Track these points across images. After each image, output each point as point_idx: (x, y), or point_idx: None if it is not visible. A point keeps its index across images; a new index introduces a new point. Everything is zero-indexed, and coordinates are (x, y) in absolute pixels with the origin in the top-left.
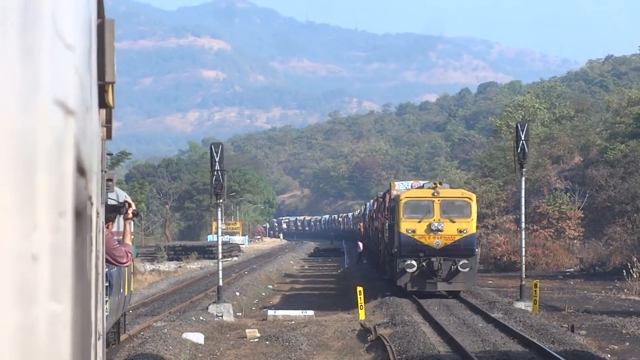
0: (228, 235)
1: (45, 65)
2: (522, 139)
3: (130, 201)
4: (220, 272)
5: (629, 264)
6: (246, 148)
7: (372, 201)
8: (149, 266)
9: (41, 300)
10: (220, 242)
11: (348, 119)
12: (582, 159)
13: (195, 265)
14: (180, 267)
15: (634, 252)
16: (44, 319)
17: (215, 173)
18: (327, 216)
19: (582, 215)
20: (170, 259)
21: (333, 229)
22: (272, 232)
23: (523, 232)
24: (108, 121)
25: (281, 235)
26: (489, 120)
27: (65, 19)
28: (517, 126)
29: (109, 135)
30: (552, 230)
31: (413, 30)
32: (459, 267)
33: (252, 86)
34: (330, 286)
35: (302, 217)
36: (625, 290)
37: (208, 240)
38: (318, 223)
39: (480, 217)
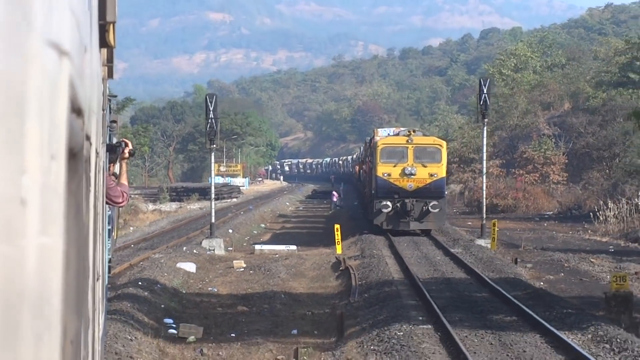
0: (229, 178)
1: (37, 6)
2: (484, 92)
3: (127, 140)
4: (213, 211)
5: (596, 208)
6: (251, 90)
7: (362, 146)
8: (151, 206)
9: (29, 236)
10: (213, 184)
11: (352, 62)
12: (571, 106)
13: (195, 206)
14: (180, 207)
15: (607, 197)
16: (32, 253)
17: (210, 121)
18: (328, 159)
19: (566, 161)
20: (172, 200)
21: (334, 171)
22: (274, 174)
23: (484, 177)
24: (109, 60)
25: (281, 177)
26: (484, 67)
27: None
28: (479, 81)
29: (110, 75)
30: (537, 175)
31: None
32: (429, 207)
33: (258, 29)
34: (319, 225)
35: (304, 160)
36: (589, 231)
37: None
38: (319, 166)
39: (468, 162)
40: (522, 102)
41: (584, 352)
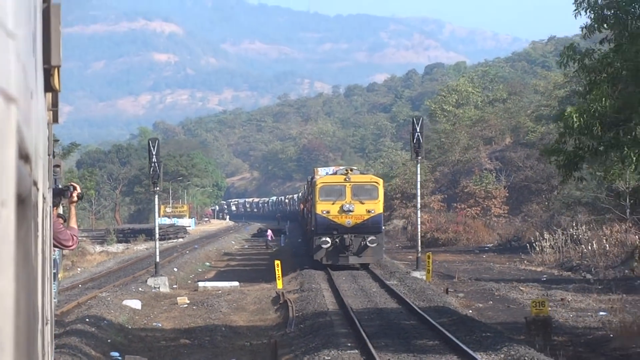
0: (175, 218)
1: None
2: (417, 131)
3: (74, 184)
4: (157, 251)
5: (533, 239)
6: (196, 131)
7: (305, 184)
8: (98, 248)
9: None
10: (157, 225)
11: (297, 101)
12: (512, 141)
13: (142, 247)
14: (127, 248)
15: (543, 228)
16: None
17: (153, 165)
18: (274, 198)
19: (507, 194)
20: (119, 242)
21: (280, 210)
22: (221, 214)
23: (418, 212)
24: (54, 104)
25: (227, 217)
26: (426, 104)
27: (6, 7)
28: (412, 120)
29: (55, 119)
30: (479, 209)
31: (365, 11)
32: (367, 242)
33: (203, 69)
34: (263, 262)
35: (250, 199)
36: (526, 261)
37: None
38: (266, 205)
39: (410, 197)
40: (463, 138)
41: None
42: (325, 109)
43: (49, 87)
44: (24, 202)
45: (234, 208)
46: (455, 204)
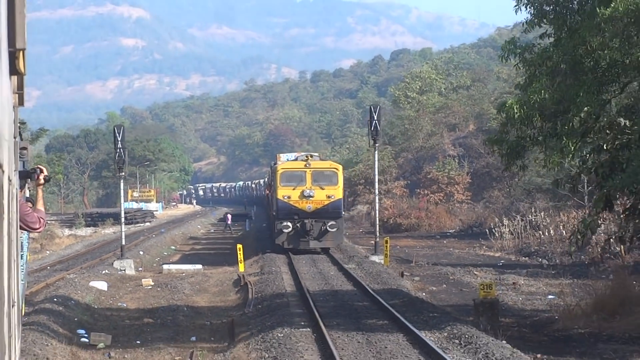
0: (143, 203)
1: None
2: (375, 119)
3: (42, 167)
4: (123, 234)
5: (492, 225)
6: (164, 116)
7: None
8: (67, 231)
9: None
10: (122, 209)
11: (263, 86)
12: (475, 127)
13: (109, 230)
14: (95, 232)
15: (503, 214)
16: None
17: (118, 151)
18: (241, 183)
19: (470, 181)
20: (87, 225)
21: (246, 195)
22: (188, 199)
23: (377, 198)
24: (20, 88)
25: (194, 201)
26: (390, 90)
27: None
28: (370, 108)
29: (21, 102)
30: (442, 195)
31: None
32: (327, 227)
33: (171, 54)
34: (227, 246)
35: (217, 184)
36: (485, 247)
37: (125, 207)
38: (233, 190)
39: (373, 183)
40: (427, 124)
41: (434, 346)
42: (291, 94)
43: (14, 70)
44: None
45: (201, 193)
46: (418, 190)
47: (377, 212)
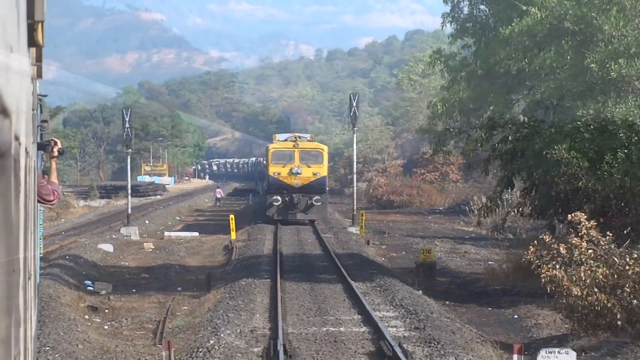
0: (156, 177)
1: None
2: (354, 106)
3: (55, 139)
4: (130, 204)
5: (471, 203)
6: (180, 92)
7: None
8: (82, 203)
9: None
10: (129, 182)
11: (279, 64)
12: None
13: (122, 202)
14: (108, 203)
15: (486, 193)
16: None
17: (126, 130)
18: (253, 159)
19: (463, 161)
20: (101, 197)
21: (258, 171)
22: (202, 173)
23: (355, 177)
24: (38, 59)
25: (207, 177)
26: (394, 73)
27: None
28: (350, 96)
29: (39, 74)
30: (437, 174)
31: None
32: (313, 201)
33: (190, 29)
34: (227, 218)
35: (231, 160)
36: (462, 222)
37: (138, 180)
38: (246, 165)
39: (372, 162)
40: (426, 106)
41: (357, 291)
42: (306, 72)
43: (32, 42)
44: (3, 157)
45: (215, 168)
46: (415, 169)
47: (354, 187)
